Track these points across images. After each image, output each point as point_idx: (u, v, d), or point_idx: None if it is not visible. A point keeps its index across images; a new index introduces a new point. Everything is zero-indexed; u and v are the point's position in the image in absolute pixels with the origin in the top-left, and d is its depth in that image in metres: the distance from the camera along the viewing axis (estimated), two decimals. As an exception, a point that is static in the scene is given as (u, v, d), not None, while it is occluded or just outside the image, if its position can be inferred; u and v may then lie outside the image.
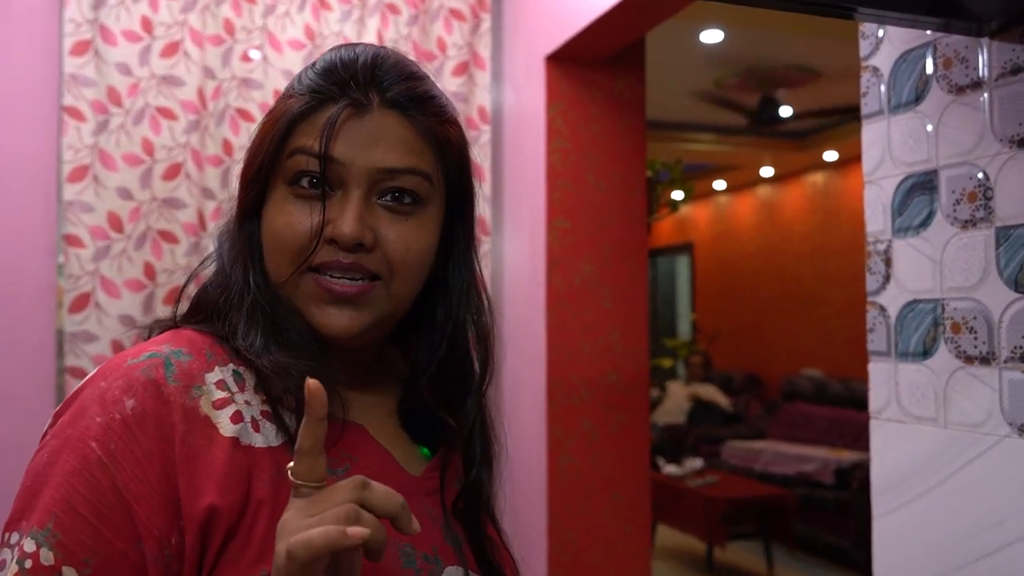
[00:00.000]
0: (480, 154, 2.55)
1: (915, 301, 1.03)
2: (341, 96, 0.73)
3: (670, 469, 5.61)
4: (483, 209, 2.55)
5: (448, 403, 0.83)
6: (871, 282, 1.10)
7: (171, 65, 2.27)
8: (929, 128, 1.02)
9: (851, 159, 7.14)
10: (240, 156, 0.70)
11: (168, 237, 2.25)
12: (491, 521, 0.84)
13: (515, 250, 2.53)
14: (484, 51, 2.59)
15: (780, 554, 5.29)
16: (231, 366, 0.72)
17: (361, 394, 0.79)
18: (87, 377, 0.71)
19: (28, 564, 0.62)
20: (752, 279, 8.51)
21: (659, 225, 8.74)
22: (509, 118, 2.59)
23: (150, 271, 2.23)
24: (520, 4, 2.53)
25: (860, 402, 6.01)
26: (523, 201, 2.47)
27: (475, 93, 2.58)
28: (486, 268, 2.54)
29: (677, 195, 3.77)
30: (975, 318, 0.95)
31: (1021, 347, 0.90)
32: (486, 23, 2.60)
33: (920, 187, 1.03)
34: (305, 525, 0.56)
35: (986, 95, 0.95)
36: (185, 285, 0.81)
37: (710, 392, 7.55)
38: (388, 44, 2.45)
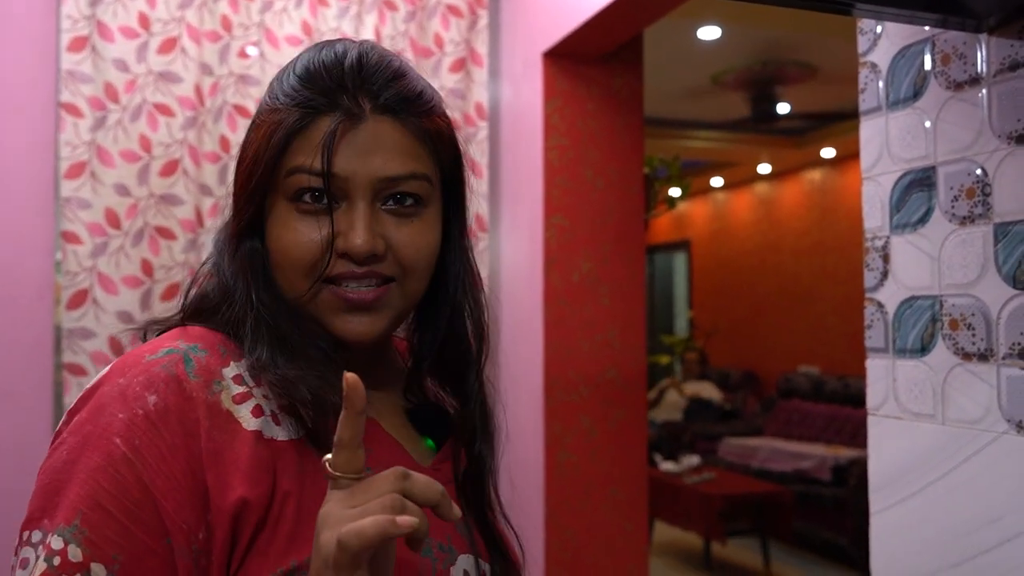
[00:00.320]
0: (477, 151, 2.55)
1: (913, 297, 1.03)
2: (332, 107, 0.72)
3: (667, 466, 5.61)
4: (480, 206, 2.55)
5: (450, 381, 0.85)
6: (869, 279, 1.10)
7: (168, 61, 2.27)
8: (927, 124, 1.02)
9: (849, 156, 7.14)
10: (237, 152, 0.69)
11: (165, 233, 2.25)
12: (494, 494, 0.86)
13: (512, 247, 2.52)
14: (481, 47, 2.59)
15: (777, 551, 5.30)
16: (244, 361, 0.72)
17: (369, 389, 0.80)
18: (100, 374, 0.71)
19: (56, 561, 0.62)
20: (749, 276, 8.51)
21: (656, 222, 8.73)
22: (506, 115, 2.59)
23: (148, 267, 2.22)
24: (517, 0, 2.52)
25: (857, 399, 6.02)
26: (520, 198, 2.47)
27: (472, 89, 2.57)
28: (484, 265, 2.54)
29: (675, 192, 3.76)
30: (973, 314, 0.95)
31: (1019, 344, 0.90)
32: (483, 19, 2.59)
33: (918, 183, 1.03)
34: (349, 516, 0.56)
35: (984, 91, 0.95)
36: (189, 288, 0.81)
37: (707, 390, 7.55)
38: (385, 40, 2.45)
